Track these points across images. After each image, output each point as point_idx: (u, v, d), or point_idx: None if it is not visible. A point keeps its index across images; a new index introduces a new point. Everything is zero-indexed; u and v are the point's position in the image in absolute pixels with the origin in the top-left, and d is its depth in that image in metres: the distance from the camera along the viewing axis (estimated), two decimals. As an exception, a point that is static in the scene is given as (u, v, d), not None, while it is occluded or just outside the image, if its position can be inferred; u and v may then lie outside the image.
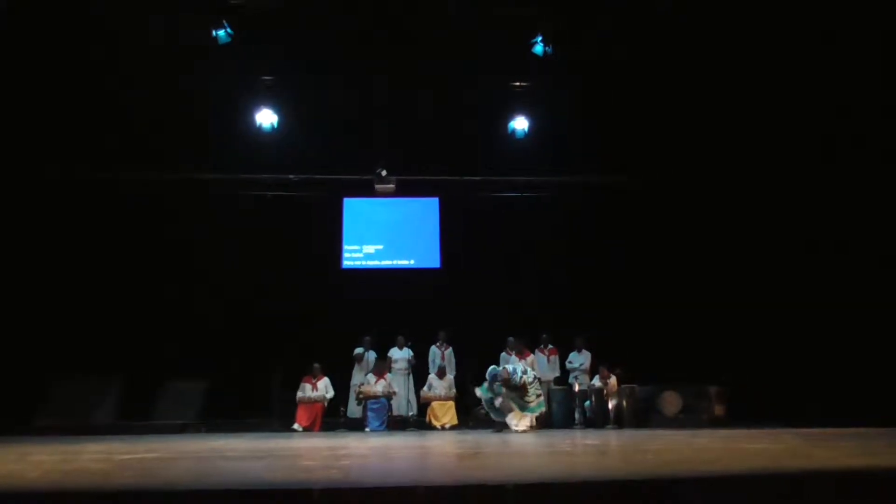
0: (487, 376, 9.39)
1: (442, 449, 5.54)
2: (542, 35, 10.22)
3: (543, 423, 9.97)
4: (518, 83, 11.54)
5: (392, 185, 12.29)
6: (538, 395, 9.45)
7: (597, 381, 11.07)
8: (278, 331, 11.65)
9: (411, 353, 11.60)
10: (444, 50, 10.31)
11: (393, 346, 11.61)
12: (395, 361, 11.45)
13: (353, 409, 11.15)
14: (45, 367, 10.49)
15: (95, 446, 6.11)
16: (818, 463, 3.40)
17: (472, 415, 11.23)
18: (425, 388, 11.20)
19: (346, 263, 13.01)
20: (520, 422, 9.10)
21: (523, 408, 9.23)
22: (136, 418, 10.47)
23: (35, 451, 5.50)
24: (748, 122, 10.72)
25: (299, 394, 10.98)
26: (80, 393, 10.48)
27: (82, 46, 9.93)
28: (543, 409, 9.64)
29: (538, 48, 10.33)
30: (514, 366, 9.66)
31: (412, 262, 13.16)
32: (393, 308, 12.04)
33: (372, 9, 9.85)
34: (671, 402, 10.37)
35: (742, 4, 9.36)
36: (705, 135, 11.25)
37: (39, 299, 10.78)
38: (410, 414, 11.15)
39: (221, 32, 9.80)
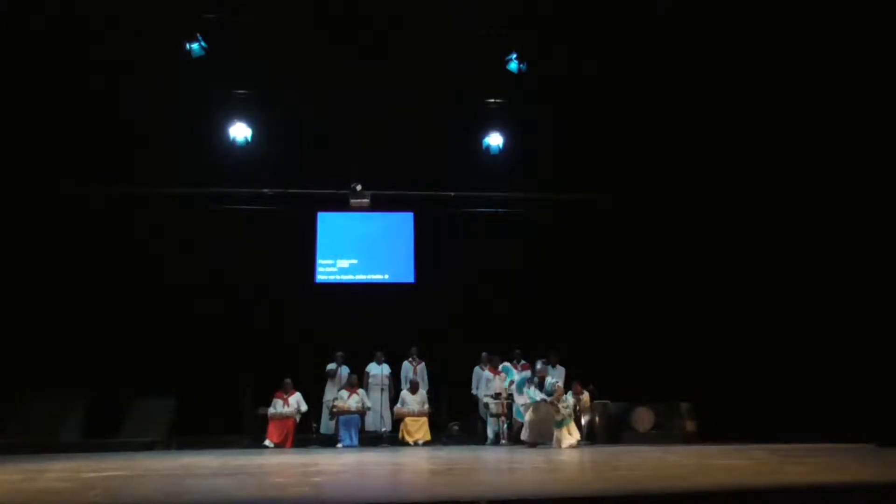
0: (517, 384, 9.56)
1: (415, 465, 5.51)
2: (517, 52, 10.35)
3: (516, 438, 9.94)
4: (493, 100, 11.64)
5: (367, 200, 12.21)
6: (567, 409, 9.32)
7: (570, 397, 11.08)
8: (250, 345, 11.50)
9: (389, 370, 11.53)
10: (420, 65, 10.36)
11: (366, 361, 11.51)
12: (372, 377, 11.35)
13: (326, 425, 11.05)
14: (10, 384, 10.23)
15: (61, 464, 5.98)
16: (789, 478, 3.44)
17: (445, 431, 11.23)
18: (398, 403, 11.13)
19: (320, 278, 12.92)
20: (564, 439, 8.94)
21: (559, 424, 9.08)
22: (104, 436, 10.25)
23: (-3, 469, 5.37)
24: (719, 139, 10.87)
25: (271, 409, 10.82)
26: (46, 410, 10.23)
27: (49, 61, 9.80)
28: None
29: (513, 65, 10.45)
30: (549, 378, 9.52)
31: (386, 276, 13.11)
32: (366, 323, 11.98)
33: (346, 24, 9.87)
34: (643, 418, 10.43)
35: (711, 23, 9.54)
36: (678, 152, 11.40)
37: (3, 315, 10.53)
38: (384, 430, 11.06)
39: (195, 46, 9.77)
